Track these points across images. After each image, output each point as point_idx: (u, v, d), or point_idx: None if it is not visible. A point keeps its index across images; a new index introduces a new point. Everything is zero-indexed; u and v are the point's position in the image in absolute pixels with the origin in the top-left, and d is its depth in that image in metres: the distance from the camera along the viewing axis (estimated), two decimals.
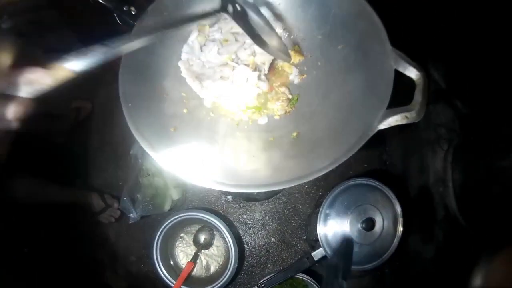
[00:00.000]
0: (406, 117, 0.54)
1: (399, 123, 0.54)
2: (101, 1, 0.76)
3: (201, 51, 0.68)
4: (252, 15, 0.61)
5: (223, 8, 0.65)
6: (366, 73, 0.63)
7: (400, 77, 0.61)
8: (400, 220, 1.06)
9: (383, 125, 0.54)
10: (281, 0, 0.75)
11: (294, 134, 0.67)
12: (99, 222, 1.41)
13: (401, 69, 0.60)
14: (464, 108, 1.22)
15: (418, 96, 0.57)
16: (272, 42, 0.63)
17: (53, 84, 0.49)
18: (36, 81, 0.48)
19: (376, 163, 1.48)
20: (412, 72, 0.60)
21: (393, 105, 0.57)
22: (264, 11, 0.75)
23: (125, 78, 0.64)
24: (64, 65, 0.49)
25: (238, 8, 0.62)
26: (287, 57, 0.66)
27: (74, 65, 0.50)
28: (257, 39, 0.63)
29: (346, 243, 1.03)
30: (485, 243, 1.09)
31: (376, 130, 0.54)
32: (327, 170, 0.52)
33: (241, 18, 0.63)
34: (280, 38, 0.64)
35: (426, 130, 1.35)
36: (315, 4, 0.72)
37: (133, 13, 0.74)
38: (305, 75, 0.73)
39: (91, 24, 1.14)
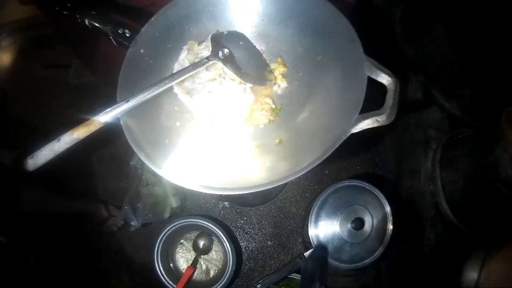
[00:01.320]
0: (377, 120, 0.59)
1: (370, 126, 0.59)
2: (98, 25, 0.82)
3: None
4: (238, 55, 0.74)
5: (214, 56, 0.73)
6: (342, 81, 0.68)
7: (373, 83, 0.66)
8: (390, 218, 1.10)
9: (355, 129, 0.59)
10: (264, 17, 0.80)
11: (277, 141, 0.72)
12: (103, 231, 1.45)
13: (374, 76, 0.65)
14: (452, 109, 1.26)
15: (389, 101, 0.62)
16: (254, 72, 0.75)
17: (89, 132, 0.67)
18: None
19: (369, 166, 1.52)
20: (384, 79, 0.64)
21: (367, 108, 0.62)
22: (248, 28, 0.82)
23: (123, 94, 0.70)
24: (99, 120, 0.66)
25: (226, 52, 0.73)
26: (268, 82, 0.78)
27: (105, 118, 0.67)
28: (242, 75, 0.74)
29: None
30: (475, 238, 1.13)
31: (348, 134, 0.59)
32: (304, 172, 0.57)
33: (229, 61, 0.73)
34: (262, 67, 0.78)
35: (417, 131, 1.39)
36: (295, 20, 0.77)
37: (128, 35, 0.80)
38: (287, 86, 0.79)
39: (89, 43, 1.20)
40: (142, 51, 0.76)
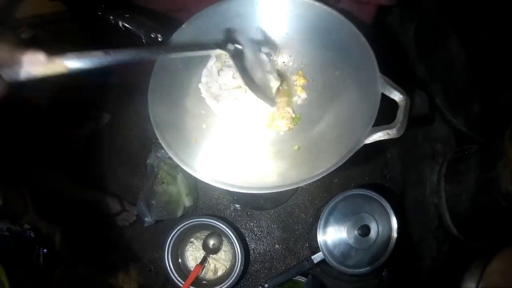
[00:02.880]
0: (388, 133, 0.65)
1: (382, 138, 0.65)
2: (131, 28, 0.88)
3: (218, 75, 0.80)
4: (249, 56, 0.75)
5: (223, 44, 0.76)
6: (357, 96, 0.74)
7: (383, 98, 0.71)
8: (395, 227, 1.13)
9: (368, 140, 0.65)
10: (288, 30, 0.86)
11: (296, 147, 0.78)
12: (114, 225, 1.50)
13: (386, 93, 0.70)
14: (458, 124, 1.30)
15: (400, 116, 0.67)
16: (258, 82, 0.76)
17: (47, 74, 0.56)
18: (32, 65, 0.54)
19: (377, 177, 1.56)
20: (396, 95, 0.70)
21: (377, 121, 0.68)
22: (272, 39, 0.87)
23: (153, 97, 0.76)
24: (63, 61, 0.56)
25: (238, 47, 0.75)
26: (271, 102, 0.77)
27: (72, 63, 0.56)
28: (247, 78, 0.74)
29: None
30: (475, 250, 1.16)
31: (362, 144, 0.64)
32: (321, 177, 0.63)
33: (238, 57, 0.75)
34: (269, 84, 0.78)
35: (424, 145, 1.43)
36: (317, 36, 0.83)
37: (160, 39, 0.85)
38: (307, 97, 0.84)
39: (113, 42, 1.25)
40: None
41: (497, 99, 1.19)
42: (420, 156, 1.44)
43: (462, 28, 1.20)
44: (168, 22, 0.94)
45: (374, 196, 1.16)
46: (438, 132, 1.41)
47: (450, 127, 1.36)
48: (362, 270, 1.13)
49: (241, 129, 0.81)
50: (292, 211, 1.52)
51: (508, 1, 1.01)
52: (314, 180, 0.64)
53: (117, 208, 1.47)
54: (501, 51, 1.10)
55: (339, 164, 0.63)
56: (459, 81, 1.28)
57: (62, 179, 1.40)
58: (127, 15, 0.92)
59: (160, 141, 0.71)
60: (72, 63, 0.56)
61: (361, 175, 1.56)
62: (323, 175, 0.63)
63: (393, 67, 0.82)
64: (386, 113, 0.70)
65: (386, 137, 0.65)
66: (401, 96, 0.69)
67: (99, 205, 1.46)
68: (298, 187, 1.50)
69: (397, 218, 1.14)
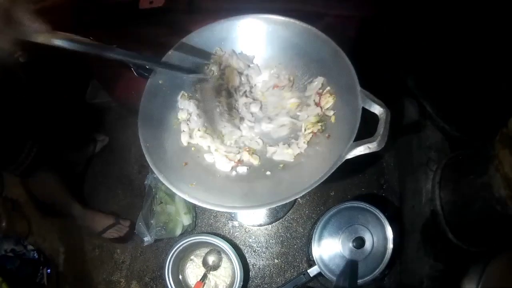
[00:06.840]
0: (369, 147, 0.66)
1: (363, 152, 0.66)
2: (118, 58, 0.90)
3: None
4: None
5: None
6: (339, 113, 0.76)
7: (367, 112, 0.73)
8: (390, 237, 1.14)
9: (349, 155, 0.66)
10: (269, 50, 0.89)
11: (281, 165, 0.79)
12: (118, 246, 1.52)
13: (367, 107, 0.71)
14: (451, 131, 1.31)
15: (380, 129, 0.68)
16: None
17: (42, 42, 0.63)
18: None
19: (374, 187, 1.56)
20: (376, 109, 0.71)
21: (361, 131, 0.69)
22: (255, 59, 0.90)
23: (143, 123, 0.78)
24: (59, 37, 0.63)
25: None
26: None
27: (61, 42, 0.63)
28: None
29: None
30: (473, 255, 1.16)
31: (343, 160, 0.66)
32: (305, 192, 0.64)
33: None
34: None
35: (419, 153, 1.44)
36: (298, 54, 0.86)
37: (147, 67, 0.88)
38: None
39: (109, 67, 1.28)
40: (160, 82, 0.85)
41: (489, 103, 1.20)
42: (415, 164, 1.44)
43: (451, 35, 1.22)
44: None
45: (367, 208, 1.17)
46: (431, 139, 1.42)
47: (443, 133, 1.37)
48: (359, 281, 1.13)
49: (226, 154, 0.82)
50: (290, 225, 1.53)
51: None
52: (298, 197, 0.65)
53: (111, 221, 1.49)
54: (491, 55, 1.11)
55: (321, 181, 0.65)
56: (449, 88, 1.29)
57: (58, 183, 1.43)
58: (114, 46, 0.94)
59: (150, 165, 0.73)
60: (61, 41, 0.63)
61: (358, 186, 1.56)
62: (305, 191, 0.65)
63: (381, 77, 0.84)
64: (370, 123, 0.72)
65: (367, 151, 0.66)
66: (381, 109, 0.70)
67: (93, 219, 1.49)
68: (295, 202, 1.51)
69: (392, 228, 1.14)
